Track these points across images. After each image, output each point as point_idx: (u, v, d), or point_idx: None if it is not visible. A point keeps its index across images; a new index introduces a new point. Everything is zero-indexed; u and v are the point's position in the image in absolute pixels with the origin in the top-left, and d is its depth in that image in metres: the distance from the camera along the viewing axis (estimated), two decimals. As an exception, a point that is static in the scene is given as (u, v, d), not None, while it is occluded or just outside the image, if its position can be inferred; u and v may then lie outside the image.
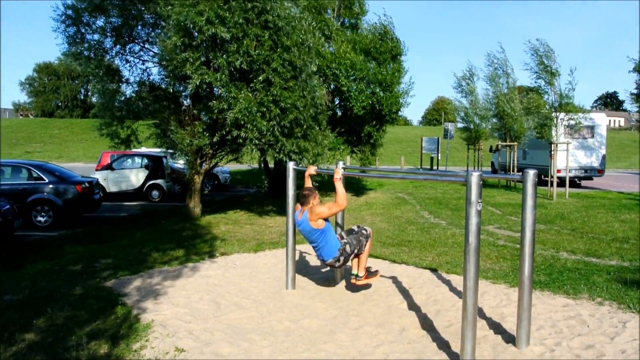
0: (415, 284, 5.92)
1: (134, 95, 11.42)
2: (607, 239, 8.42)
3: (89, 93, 75.64)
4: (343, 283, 6.00)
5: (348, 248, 5.07)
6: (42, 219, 10.45)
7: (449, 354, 3.87)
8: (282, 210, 12.73)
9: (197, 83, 8.92)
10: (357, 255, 5.24)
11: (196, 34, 8.94)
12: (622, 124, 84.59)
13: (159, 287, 5.78)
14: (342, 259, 5.04)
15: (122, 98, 11.32)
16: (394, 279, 6.12)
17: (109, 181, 15.48)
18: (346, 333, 4.35)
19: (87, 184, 10.96)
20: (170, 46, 8.94)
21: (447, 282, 5.95)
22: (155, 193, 15.76)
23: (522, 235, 3.85)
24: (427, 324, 4.56)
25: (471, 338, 3.50)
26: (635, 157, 43.03)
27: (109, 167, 15.85)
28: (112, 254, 7.54)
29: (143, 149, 16.94)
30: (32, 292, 5.58)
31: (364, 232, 5.30)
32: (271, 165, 15.98)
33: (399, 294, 5.51)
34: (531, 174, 3.73)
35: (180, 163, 18.84)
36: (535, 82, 15.65)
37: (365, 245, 5.23)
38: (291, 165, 5.61)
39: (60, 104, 77.69)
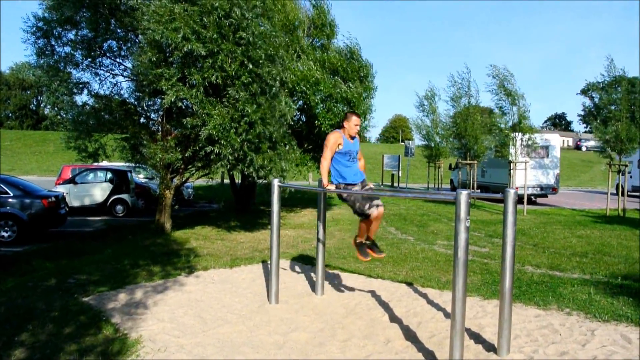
0: (393, 297, 6.13)
1: (102, 107, 11.28)
2: (567, 254, 8.90)
3: (42, 104, 73.57)
4: (323, 297, 6.15)
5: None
6: (5, 234, 10.16)
7: (436, 363, 4.07)
8: (250, 226, 12.77)
9: (172, 99, 8.95)
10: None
11: (171, 50, 8.98)
12: (570, 143, 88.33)
13: (141, 302, 5.77)
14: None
15: (91, 111, 11.16)
16: (373, 293, 6.31)
17: (72, 195, 15.14)
18: (335, 345, 4.50)
19: (53, 198, 10.74)
20: (145, 61, 8.96)
21: (424, 295, 6.18)
22: (119, 208, 15.52)
23: (503, 249, 4.11)
24: (410, 335, 4.76)
25: (459, 346, 3.72)
26: (584, 176, 45.12)
27: (72, 180, 15.50)
28: (85, 269, 7.43)
29: (104, 163, 16.64)
30: (8, 309, 5.47)
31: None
32: (238, 180, 16.00)
33: (379, 307, 5.70)
34: (512, 193, 4.01)
35: (140, 177, 18.63)
36: (497, 103, 16.37)
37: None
38: (276, 182, 5.75)
39: (10, 114, 75.10)
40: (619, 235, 11.23)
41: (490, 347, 4.38)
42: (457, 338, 3.71)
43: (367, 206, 5.31)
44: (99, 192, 15.52)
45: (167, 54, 9.18)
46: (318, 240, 6.17)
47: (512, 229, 4.05)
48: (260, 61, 9.31)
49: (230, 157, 9.42)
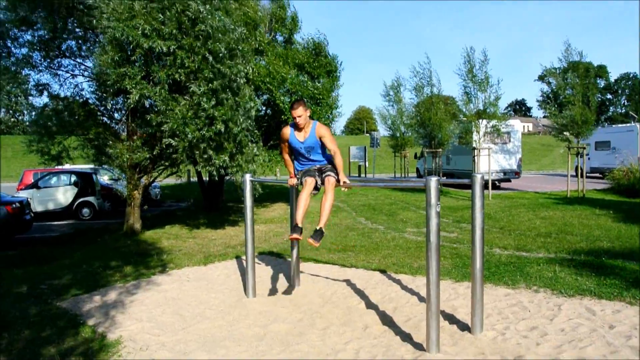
0: (368, 285, 6.26)
1: (63, 109, 10.98)
2: (532, 235, 9.23)
3: (-4, 108, 71.02)
4: (299, 288, 6.23)
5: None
6: (-32, 243, 9.87)
7: (414, 345, 4.21)
8: (220, 223, 12.72)
9: (137, 98, 8.82)
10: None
11: (132, 47, 8.82)
12: (530, 129, 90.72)
13: (117, 303, 5.74)
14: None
15: (52, 113, 10.86)
16: (348, 282, 6.43)
17: (35, 200, 14.75)
18: (315, 334, 4.59)
19: (17, 204, 10.47)
20: (108, 61, 8.80)
21: (398, 282, 6.34)
22: (85, 211, 15.22)
23: (472, 233, 4.26)
24: (387, 320, 4.90)
25: (435, 328, 3.86)
26: (545, 160, 46.46)
27: (35, 185, 15.11)
28: (56, 274, 7.31)
29: (67, 166, 16.25)
30: (-20, 318, 5.37)
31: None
32: (206, 178, 15.89)
33: (355, 295, 5.82)
34: (479, 178, 4.16)
35: (105, 179, 18.28)
36: (465, 89, 16.67)
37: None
38: (248, 177, 5.79)
39: (-37, 120, 72.29)
40: (580, 215, 11.68)
41: (464, 327, 4.55)
42: (433, 319, 3.85)
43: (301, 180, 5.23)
44: (64, 195, 15.17)
45: (129, 52, 9.03)
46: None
47: (481, 212, 4.20)
48: (221, 55, 9.20)
49: (181, 151, 9.17)
